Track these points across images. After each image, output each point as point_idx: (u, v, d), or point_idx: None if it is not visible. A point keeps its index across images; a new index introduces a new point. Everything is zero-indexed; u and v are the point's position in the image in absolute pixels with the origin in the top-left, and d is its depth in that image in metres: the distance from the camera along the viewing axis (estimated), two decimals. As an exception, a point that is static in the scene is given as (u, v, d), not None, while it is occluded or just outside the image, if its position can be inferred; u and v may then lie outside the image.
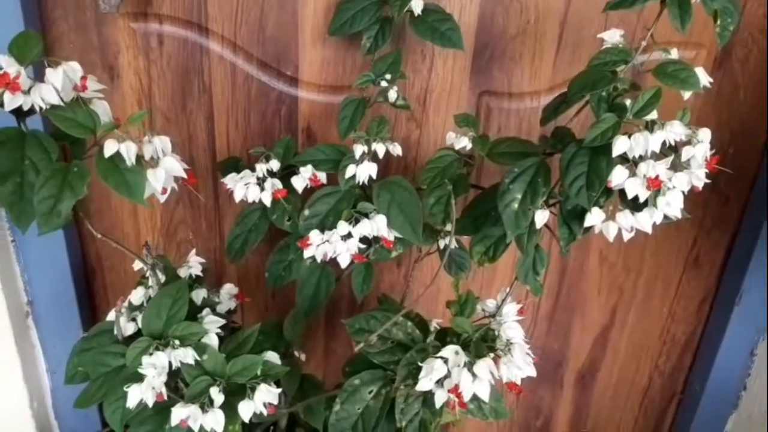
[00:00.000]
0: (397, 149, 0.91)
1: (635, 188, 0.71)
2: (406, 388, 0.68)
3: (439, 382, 0.64)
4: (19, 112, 0.63)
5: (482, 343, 0.65)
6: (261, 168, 0.88)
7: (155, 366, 0.65)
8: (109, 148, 0.61)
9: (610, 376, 1.41)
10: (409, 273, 1.20)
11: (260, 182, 0.88)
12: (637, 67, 0.79)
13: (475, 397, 0.70)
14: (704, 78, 0.77)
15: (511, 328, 0.66)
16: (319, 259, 0.85)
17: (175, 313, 0.70)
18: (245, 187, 0.87)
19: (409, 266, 1.23)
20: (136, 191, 0.62)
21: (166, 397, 0.65)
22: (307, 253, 0.84)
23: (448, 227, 0.87)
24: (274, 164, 0.88)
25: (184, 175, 0.65)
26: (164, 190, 0.64)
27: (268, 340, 0.87)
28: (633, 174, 0.72)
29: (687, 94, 0.77)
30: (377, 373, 0.74)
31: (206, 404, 0.65)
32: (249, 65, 1.05)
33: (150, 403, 0.65)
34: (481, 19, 1.04)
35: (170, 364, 0.67)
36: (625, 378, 1.41)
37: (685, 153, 0.76)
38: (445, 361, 0.64)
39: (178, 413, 0.64)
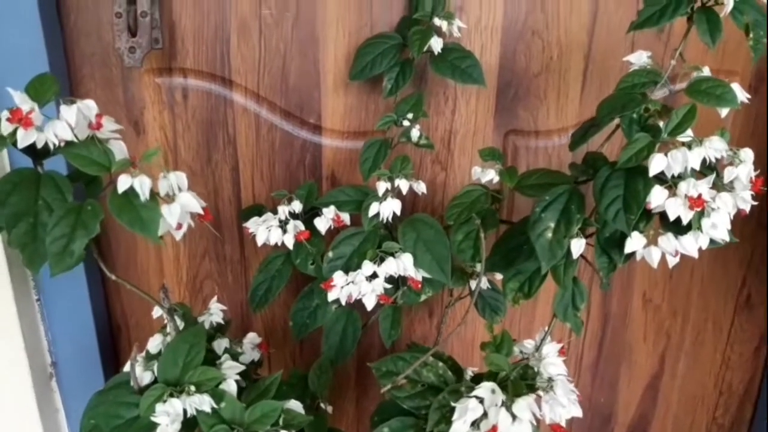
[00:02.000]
0: (421, 187, 0.89)
1: (677, 209, 0.67)
2: (439, 435, 0.63)
3: (475, 425, 0.58)
4: (34, 152, 0.62)
5: (521, 382, 0.60)
6: (283, 210, 0.86)
7: (169, 414, 0.61)
8: (123, 183, 0.59)
9: (663, 431, 1.30)
10: (441, 318, 1.15)
11: (282, 225, 0.86)
12: (668, 88, 0.76)
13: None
14: (741, 94, 0.73)
15: (552, 364, 0.61)
16: (343, 301, 0.81)
17: (192, 359, 0.66)
18: (267, 231, 0.85)
19: (441, 316, 1.18)
20: (150, 227, 0.60)
21: (180, 448, 0.61)
22: (331, 296, 0.81)
23: (478, 267, 0.83)
24: (297, 206, 0.86)
25: (201, 211, 0.63)
26: (179, 226, 0.62)
27: (293, 391, 0.83)
28: (673, 195, 0.67)
29: (724, 112, 0.73)
30: (408, 421, 0.68)
31: (223, 453, 0.60)
32: (273, 115, 1.05)
33: (165, 456, 0.61)
34: (503, 57, 1.03)
35: (186, 412, 0.63)
36: (680, 433, 1.31)
37: (728, 174, 0.72)
38: (481, 401, 0.58)
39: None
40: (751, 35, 0.73)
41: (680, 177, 0.68)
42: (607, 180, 0.70)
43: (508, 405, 0.56)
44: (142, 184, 0.59)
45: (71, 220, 0.60)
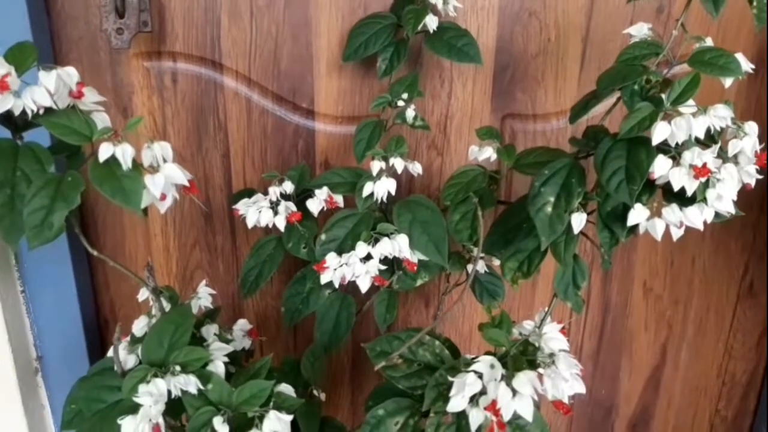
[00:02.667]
0: (417, 168, 0.86)
1: (681, 179, 0.65)
2: (437, 415, 0.60)
3: (474, 401, 0.55)
4: (12, 123, 0.60)
5: (521, 357, 0.57)
6: (274, 191, 0.83)
7: (152, 394, 0.58)
8: (105, 151, 0.57)
9: (665, 423, 1.28)
10: (438, 306, 1.12)
11: (274, 206, 0.83)
12: (668, 59, 0.74)
13: (515, 420, 0.62)
14: (746, 64, 0.71)
15: (553, 339, 0.58)
16: (337, 284, 0.78)
17: (178, 340, 0.63)
18: (258, 212, 0.82)
19: (437, 306, 1.15)
20: (132, 198, 0.57)
21: (163, 430, 0.57)
22: (324, 278, 0.78)
23: (476, 251, 0.81)
24: (288, 186, 0.84)
25: (186, 183, 0.60)
26: (163, 197, 0.59)
27: (285, 378, 0.80)
28: (677, 165, 0.65)
29: (728, 82, 0.71)
30: (404, 402, 0.65)
31: (210, 435, 0.57)
32: (264, 99, 1.03)
33: (147, 438, 0.58)
34: (499, 39, 1.01)
35: (170, 393, 0.60)
36: (682, 425, 1.28)
37: (732, 147, 0.70)
38: (480, 376, 0.56)
39: (180, 446, 0.56)
40: (754, 4, 0.71)
41: (683, 147, 0.66)
42: (608, 151, 0.68)
43: (508, 380, 0.54)
44: (124, 153, 0.57)
45: (50, 191, 0.57)
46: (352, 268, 0.77)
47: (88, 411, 0.64)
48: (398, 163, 0.81)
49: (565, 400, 0.57)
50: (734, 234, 1.14)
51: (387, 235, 0.79)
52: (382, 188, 0.80)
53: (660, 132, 0.64)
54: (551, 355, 0.57)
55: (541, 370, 0.58)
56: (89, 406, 0.64)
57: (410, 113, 0.89)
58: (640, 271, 1.17)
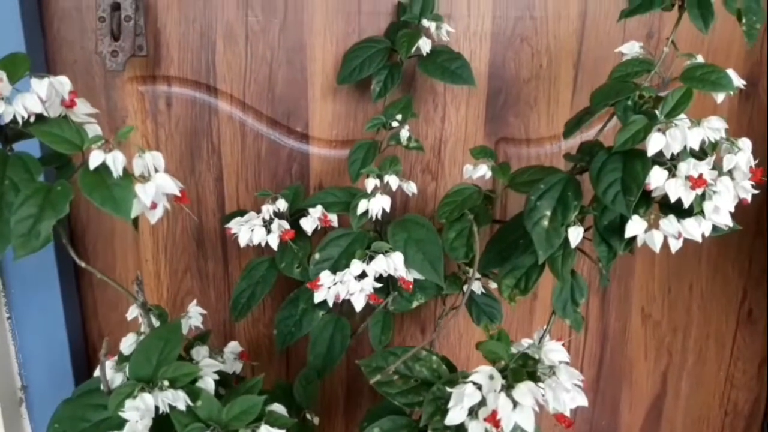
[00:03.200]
0: (411, 187, 0.86)
1: (678, 191, 0.64)
2: (435, 432, 0.58)
3: (473, 414, 0.53)
4: (1, 132, 0.59)
5: (521, 369, 0.55)
6: (267, 209, 0.82)
7: (139, 409, 0.55)
8: (95, 158, 0.56)
9: (669, 456, 1.24)
10: (434, 331, 1.10)
11: (267, 225, 0.82)
12: (661, 76, 0.75)
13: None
14: (737, 80, 0.72)
15: (553, 350, 0.56)
16: (331, 302, 0.77)
17: (166, 356, 0.61)
18: (250, 231, 0.81)
19: (432, 334, 1.13)
20: (122, 206, 0.56)
21: (151, 447, 0.55)
22: (318, 296, 0.77)
23: (471, 271, 0.79)
24: (282, 204, 0.83)
25: (177, 193, 0.60)
26: (153, 205, 0.58)
27: (277, 401, 0.77)
28: (673, 176, 0.65)
29: (720, 98, 0.71)
30: (400, 420, 0.63)
31: (198, 453, 0.55)
32: (258, 123, 1.03)
33: (132, 455, 0.55)
34: (492, 64, 1.02)
35: (158, 411, 0.57)
36: (686, 459, 1.25)
37: (727, 161, 0.70)
38: (479, 387, 0.54)
39: (165, 462, 0.53)
40: (743, 21, 0.72)
41: (678, 160, 0.66)
42: (604, 164, 0.68)
43: (508, 391, 0.52)
44: (115, 160, 0.56)
45: (39, 199, 0.56)
46: (346, 285, 0.75)
47: (72, 430, 0.61)
48: (393, 181, 0.80)
49: (567, 413, 0.55)
50: (731, 259, 1.13)
51: (382, 253, 0.78)
52: (377, 205, 0.79)
53: (655, 142, 0.64)
54: (551, 367, 0.55)
55: (542, 384, 0.56)
56: (74, 425, 0.62)
57: (404, 133, 0.89)
58: (637, 297, 1.15)
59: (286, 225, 0.82)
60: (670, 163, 0.66)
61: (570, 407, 0.56)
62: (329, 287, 0.76)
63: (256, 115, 1.03)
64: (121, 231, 1.07)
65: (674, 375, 1.19)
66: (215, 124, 1.03)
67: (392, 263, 0.78)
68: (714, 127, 0.65)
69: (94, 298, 1.10)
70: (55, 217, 0.56)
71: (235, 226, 0.83)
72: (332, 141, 1.04)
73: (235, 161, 1.04)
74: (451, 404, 0.53)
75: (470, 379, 0.52)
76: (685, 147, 0.64)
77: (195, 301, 0.78)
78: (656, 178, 0.64)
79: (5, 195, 0.57)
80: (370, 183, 0.80)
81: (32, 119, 0.57)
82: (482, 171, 0.80)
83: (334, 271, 0.80)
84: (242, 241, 0.81)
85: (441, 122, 1.05)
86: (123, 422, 0.56)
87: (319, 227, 0.83)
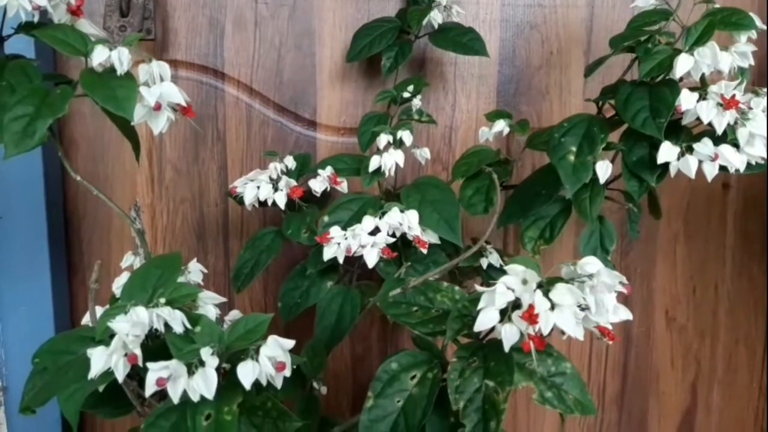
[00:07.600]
0: (425, 153, 0.83)
1: (709, 113, 0.61)
2: (460, 360, 0.51)
3: (506, 317, 0.46)
4: None
5: (558, 278, 0.49)
6: (275, 167, 0.78)
7: (130, 321, 0.49)
8: (99, 53, 0.53)
9: (703, 479, 1.14)
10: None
11: (274, 183, 0.78)
12: (679, 24, 0.73)
13: (550, 377, 0.53)
14: (759, 21, 0.70)
15: (589, 263, 0.50)
16: (341, 259, 0.71)
17: (164, 283, 0.55)
18: (256, 188, 0.77)
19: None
20: (125, 105, 0.52)
21: (141, 362, 0.48)
22: (327, 252, 0.71)
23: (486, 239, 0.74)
24: (290, 162, 0.79)
25: (183, 102, 0.56)
26: (158, 106, 0.54)
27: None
28: (704, 98, 0.62)
29: (743, 37, 0.69)
30: (420, 356, 0.56)
31: (195, 365, 0.48)
32: (266, 109, 1.01)
33: (120, 373, 0.48)
34: (502, 52, 1.01)
35: (152, 330, 0.51)
36: (722, 482, 1.14)
37: (755, 105, 0.67)
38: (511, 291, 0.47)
39: (155, 371, 0.46)
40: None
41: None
42: (629, 95, 0.65)
43: (545, 290, 0.46)
44: (120, 55, 0.53)
45: (36, 100, 0.53)
46: (357, 239, 0.70)
47: (54, 364, 0.55)
48: (407, 137, 0.77)
49: (610, 318, 0.49)
50: (756, 257, 1.08)
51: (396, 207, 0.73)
52: (390, 160, 0.75)
53: (683, 63, 0.61)
54: (590, 275, 0.49)
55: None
56: (56, 359, 0.55)
57: (416, 102, 0.86)
58: (660, 299, 1.09)
59: (293, 182, 0.78)
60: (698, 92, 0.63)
61: (613, 320, 0.50)
62: (339, 243, 0.71)
63: (263, 101, 1.01)
64: (117, 224, 1.02)
65: (704, 385, 1.11)
66: (221, 110, 1.01)
67: (406, 220, 0.73)
68: (742, 52, 0.63)
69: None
70: (53, 116, 0.52)
71: (240, 184, 0.79)
72: (340, 128, 1.02)
73: (239, 148, 1.01)
74: (481, 305, 0.47)
75: (501, 280, 0.47)
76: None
77: (195, 259, 0.73)
78: (687, 100, 0.61)
79: (1, 95, 0.53)
80: (383, 139, 0.77)
81: (36, 17, 0.55)
82: (500, 127, 0.77)
83: (344, 235, 0.75)
84: (247, 199, 0.77)
85: (451, 110, 1.03)
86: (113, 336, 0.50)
87: (328, 188, 0.79)
